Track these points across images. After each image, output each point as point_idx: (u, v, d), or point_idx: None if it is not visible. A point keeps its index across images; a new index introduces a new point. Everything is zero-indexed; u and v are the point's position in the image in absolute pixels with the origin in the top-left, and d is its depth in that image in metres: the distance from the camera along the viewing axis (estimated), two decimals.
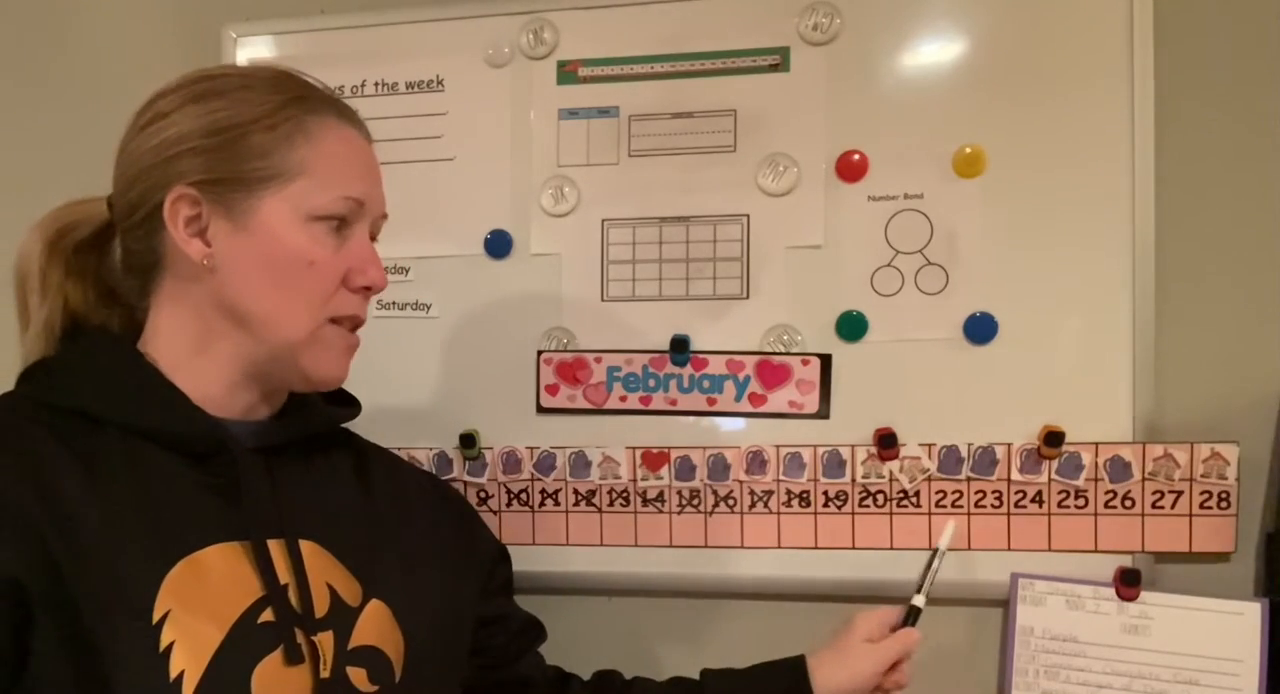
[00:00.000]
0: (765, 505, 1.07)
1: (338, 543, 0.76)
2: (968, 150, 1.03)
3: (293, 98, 0.74)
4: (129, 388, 0.72)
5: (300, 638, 0.69)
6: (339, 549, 0.76)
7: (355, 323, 0.77)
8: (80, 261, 0.79)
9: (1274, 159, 1.02)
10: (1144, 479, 1.01)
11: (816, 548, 1.06)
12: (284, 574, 0.71)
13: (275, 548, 0.72)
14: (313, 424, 0.80)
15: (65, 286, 0.78)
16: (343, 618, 0.73)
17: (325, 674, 0.70)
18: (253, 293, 0.72)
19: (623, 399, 1.10)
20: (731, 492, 1.08)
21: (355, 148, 0.77)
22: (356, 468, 0.85)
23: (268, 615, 0.69)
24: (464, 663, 0.87)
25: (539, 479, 1.11)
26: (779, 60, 1.08)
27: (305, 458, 0.79)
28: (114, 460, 0.69)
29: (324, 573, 0.74)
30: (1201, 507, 1.00)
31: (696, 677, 0.96)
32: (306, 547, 0.74)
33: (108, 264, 0.80)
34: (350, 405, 0.85)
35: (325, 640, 0.71)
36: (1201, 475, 1.00)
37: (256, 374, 0.75)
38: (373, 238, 0.79)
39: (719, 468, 1.08)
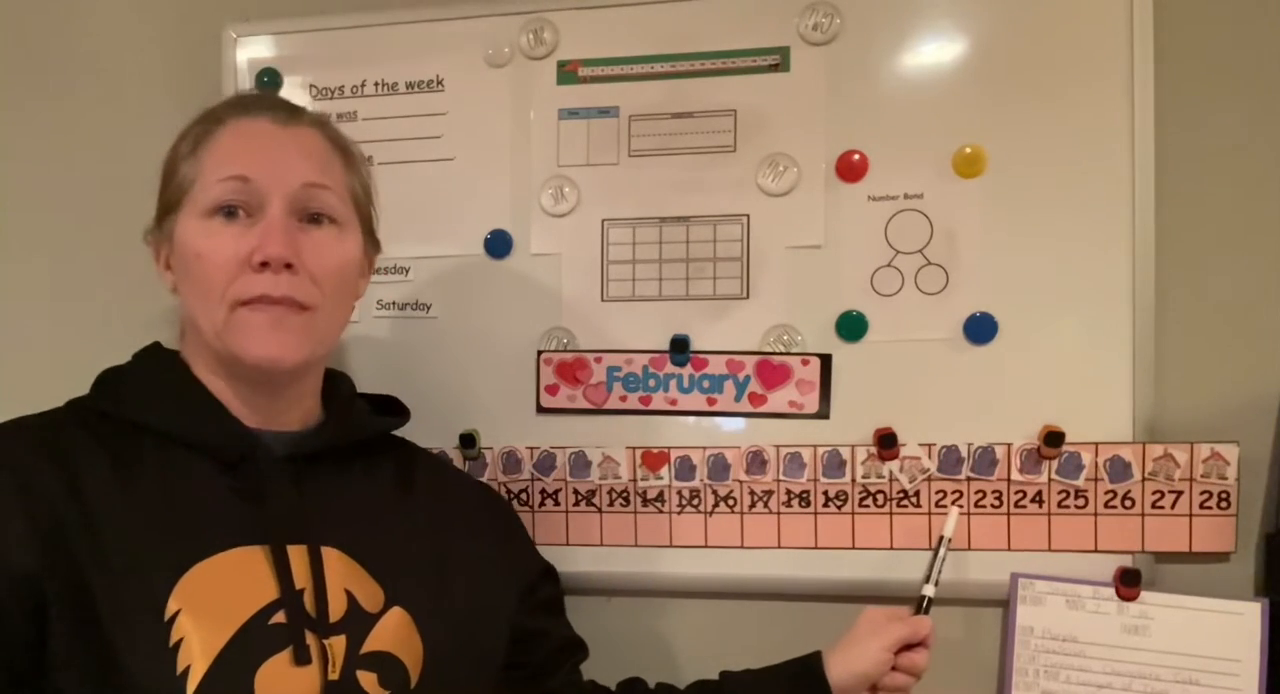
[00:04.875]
0: (765, 505, 1.07)
1: (364, 550, 0.78)
2: (968, 150, 1.03)
3: (203, 118, 0.79)
4: (170, 398, 0.77)
5: (311, 641, 0.71)
6: (365, 556, 0.77)
7: (267, 301, 0.74)
8: None
9: (1274, 159, 1.02)
10: (1144, 479, 1.01)
11: (816, 548, 1.06)
12: (302, 579, 0.73)
13: (295, 553, 0.73)
14: (346, 434, 0.82)
15: None
16: (358, 623, 0.74)
17: (334, 676, 0.71)
18: (186, 302, 0.77)
19: (623, 399, 1.10)
20: (731, 492, 1.08)
21: (249, 133, 0.78)
22: (400, 476, 0.87)
23: (280, 617, 0.71)
24: (495, 673, 0.87)
25: (539, 479, 1.11)
26: (779, 60, 1.08)
27: (345, 466, 0.81)
28: (148, 465, 0.74)
29: (344, 579, 0.75)
30: (1201, 507, 1.00)
31: (713, 676, 0.96)
32: (329, 553, 0.75)
33: None
34: (397, 415, 0.88)
35: (337, 644, 0.72)
36: (1201, 475, 1.00)
37: (232, 377, 0.78)
38: (314, 211, 0.77)
39: (719, 468, 1.08)
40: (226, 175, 0.75)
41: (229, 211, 0.75)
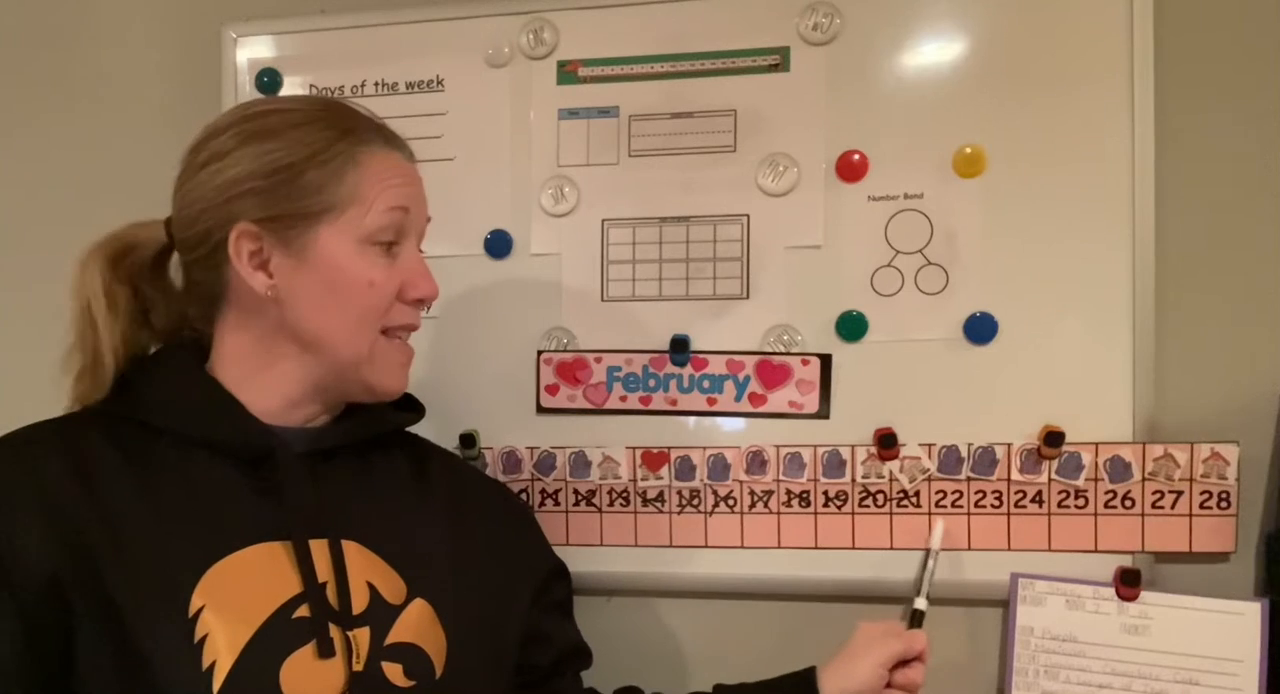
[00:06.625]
0: (765, 505, 1.07)
1: (385, 543, 0.78)
2: (968, 150, 1.03)
3: (342, 132, 0.77)
4: (187, 400, 0.77)
5: (335, 633, 0.72)
6: (385, 549, 0.78)
7: (410, 330, 0.82)
8: (145, 283, 0.82)
9: (1274, 159, 1.02)
10: (1144, 479, 1.01)
11: (816, 548, 1.06)
12: (324, 572, 0.74)
13: (317, 547, 0.74)
14: (363, 429, 0.83)
15: (134, 307, 0.80)
16: (381, 615, 0.75)
17: (358, 668, 0.72)
18: (316, 318, 0.77)
19: (623, 399, 1.10)
20: (731, 492, 1.08)
21: (398, 166, 0.80)
22: (416, 471, 0.87)
23: (303, 611, 0.72)
24: (511, 668, 0.87)
25: (539, 479, 1.11)
26: (779, 60, 1.08)
27: (362, 461, 0.83)
28: (167, 466, 0.74)
29: (365, 572, 0.76)
30: (1201, 507, 1.00)
31: (708, 681, 0.95)
32: (350, 547, 0.76)
33: (167, 286, 0.83)
34: (412, 410, 0.89)
35: (361, 636, 0.73)
36: (1201, 475, 1.00)
37: (319, 390, 0.79)
38: (419, 245, 0.83)
39: (719, 468, 1.08)
40: (395, 205, 0.78)
41: (388, 244, 0.78)
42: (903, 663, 0.91)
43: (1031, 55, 1.03)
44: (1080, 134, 1.02)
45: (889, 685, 0.90)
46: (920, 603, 0.98)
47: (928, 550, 1.01)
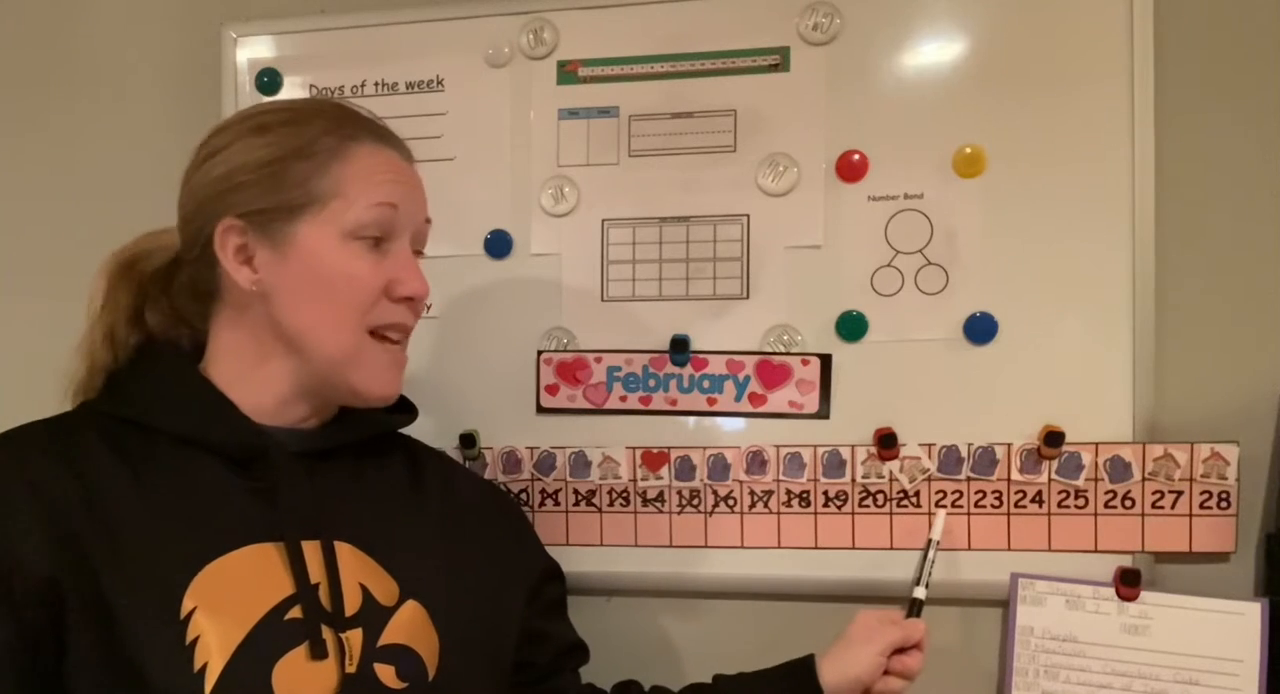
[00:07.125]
0: (765, 505, 1.07)
1: (378, 544, 0.78)
2: (968, 150, 1.03)
3: (330, 126, 0.77)
4: (180, 399, 0.77)
5: (327, 635, 0.72)
6: (378, 550, 0.78)
7: (401, 331, 0.80)
8: (154, 287, 0.83)
9: (1274, 159, 1.02)
10: (1144, 479, 1.01)
11: (816, 548, 1.06)
12: (316, 574, 0.74)
13: (310, 548, 0.74)
14: (357, 430, 0.83)
15: (134, 308, 0.81)
16: (374, 617, 0.75)
17: (351, 669, 0.72)
18: (296, 312, 0.76)
19: (623, 399, 1.10)
20: (731, 492, 1.08)
21: (389, 163, 0.79)
22: (410, 472, 0.87)
23: (296, 612, 0.72)
24: (508, 669, 0.88)
25: (539, 479, 1.11)
26: (779, 60, 1.08)
27: (356, 462, 0.82)
28: (161, 465, 0.74)
29: (358, 573, 0.76)
30: (1201, 507, 1.00)
31: (708, 679, 0.96)
32: (342, 548, 0.76)
33: (174, 288, 0.83)
34: (406, 413, 0.88)
35: (354, 637, 0.73)
36: (1201, 475, 1.00)
37: (308, 391, 0.79)
38: (418, 249, 0.82)
39: (719, 468, 1.08)
40: (382, 201, 0.76)
41: (374, 240, 0.77)
42: (900, 651, 0.92)
43: (1031, 55, 1.03)
44: (1080, 134, 1.02)
45: (886, 672, 0.91)
46: (920, 592, 0.98)
47: (929, 540, 1.01)
